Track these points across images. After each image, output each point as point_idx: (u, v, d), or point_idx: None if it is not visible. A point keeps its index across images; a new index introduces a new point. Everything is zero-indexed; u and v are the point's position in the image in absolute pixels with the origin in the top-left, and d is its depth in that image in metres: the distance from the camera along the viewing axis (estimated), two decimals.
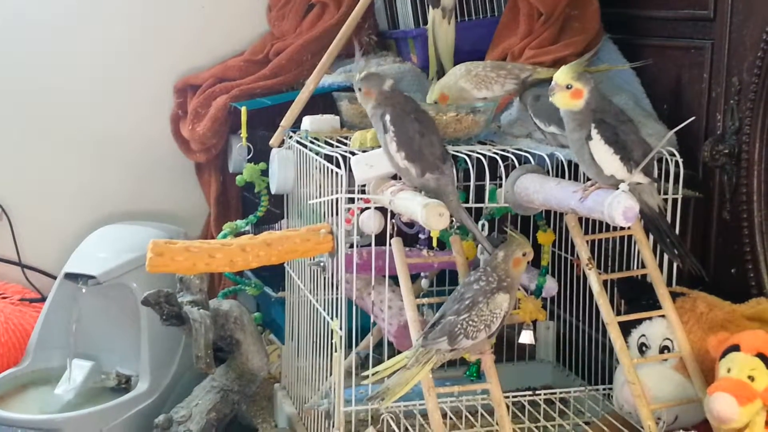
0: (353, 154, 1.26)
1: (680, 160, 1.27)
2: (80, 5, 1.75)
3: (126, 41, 1.77)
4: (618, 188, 1.10)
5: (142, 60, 1.78)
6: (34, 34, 1.73)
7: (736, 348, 1.03)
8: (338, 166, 1.23)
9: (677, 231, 1.27)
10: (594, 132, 1.10)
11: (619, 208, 1.06)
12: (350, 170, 1.22)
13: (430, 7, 1.54)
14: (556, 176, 1.31)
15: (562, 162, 1.30)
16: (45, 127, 1.77)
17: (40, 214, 1.78)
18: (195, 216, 1.83)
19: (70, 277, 1.51)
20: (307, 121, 1.45)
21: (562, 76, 1.10)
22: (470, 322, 1.13)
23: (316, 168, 1.35)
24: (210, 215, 1.79)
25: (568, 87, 1.10)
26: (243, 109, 1.53)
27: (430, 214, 1.09)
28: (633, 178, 1.11)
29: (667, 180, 1.28)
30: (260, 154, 1.55)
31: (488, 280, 1.15)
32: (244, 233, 1.53)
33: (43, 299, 1.64)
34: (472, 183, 1.28)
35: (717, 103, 1.30)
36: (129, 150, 1.80)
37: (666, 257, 1.25)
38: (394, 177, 1.23)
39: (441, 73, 1.55)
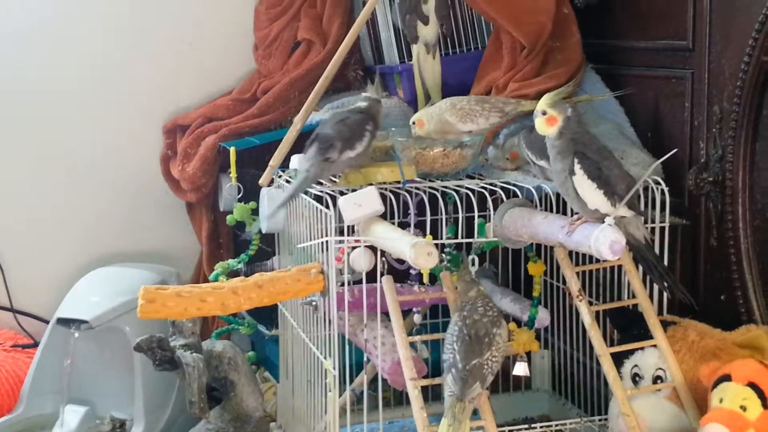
0: (342, 193, 1.27)
1: (666, 189, 1.29)
2: (67, 48, 1.76)
3: (114, 83, 1.78)
4: (604, 221, 1.11)
5: (131, 101, 1.79)
6: (25, 75, 1.74)
7: (727, 378, 1.04)
8: (327, 206, 1.24)
9: (665, 259, 1.28)
10: (577, 167, 1.12)
11: (606, 243, 1.07)
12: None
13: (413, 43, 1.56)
14: (544, 209, 1.32)
15: (549, 195, 1.31)
16: (35, 170, 1.78)
17: (31, 258, 1.78)
18: (187, 255, 1.83)
19: (63, 322, 1.51)
20: (296, 160, 1.46)
21: (540, 102, 1.12)
22: (493, 359, 1.12)
23: (306, 207, 1.36)
24: (202, 254, 1.79)
25: (543, 113, 1.12)
26: (232, 150, 1.54)
27: (418, 254, 1.09)
28: (618, 212, 1.12)
29: (653, 207, 1.30)
30: (250, 192, 1.56)
31: (492, 309, 1.15)
32: (236, 272, 1.54)
33: (35, 345, 1.64)
34: (461, 217, 1.29)
35: (699, 132, 1.31)
36: (119, 191, 1.81)
37: (656, 285, 1.26)
38: (383, 216, 1.24)
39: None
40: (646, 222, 1.27)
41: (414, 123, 1.40)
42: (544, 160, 1.32)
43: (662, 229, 1.29)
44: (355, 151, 1.32)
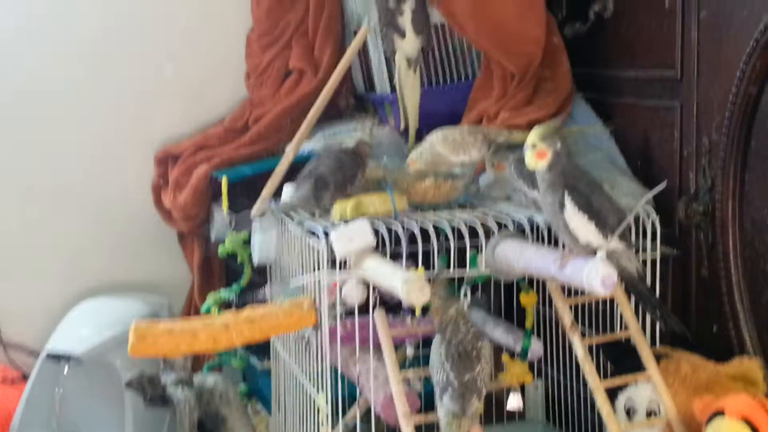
0: (334, 225, 1.27)
1: (656, 219, 1.29)
2: (57, 76, 1.75)
3: (105, 111, 1.78)
4: (595, 255, 1.11)
5: (121, 130, 1.79)
6: (12, 102, 1.74)
7: (721, 413, 1.04)
8: (319, 239, 1.23)
9: (657, 289, 1.28)
10: (567, 200, 1.12)
11: (598, 277, 1.07)
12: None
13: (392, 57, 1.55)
14: (536, 241, 1.32)
15: (541, 227, 1.31)
16: (24, 199, 1.77)
17: (21, 289, 1.77)
18: (179, 284, 1.82)
19: (53, 357, 1.50)
20: (288, 190, 1.46)
21: (530, 135, 1.12)
22: (484, 371, 1.14)
23: (298, 238, 1.36)
24: (194, 283, 1.79)
25: (533, 146, 1.12)
26: (223, 180, 1.54)
27: (411, 290, 1.09)
28: (609, 246, 1.12)
29: (644, 237, 1.30)
30: (242, 222, 1.56)
31: (471, 325, 1.17)
32: (228, 303, 1.54)
33: (25, 378, 1.63)
34: (452, 249, 1.29)
35: (689, 162, 1.32)
36: (111, 220, 1.80)
37: (649, 315, 1.26)
38: (376, 249, 1.24)
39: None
40: (637, 252, 1.27)
41: (408, 165, 1.41)
42: (535, 191, 1.32)
43: (654, 259, 1.29)
44: (345, 194, 1.34)
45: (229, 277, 1.76)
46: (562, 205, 1.12)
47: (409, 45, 1.49)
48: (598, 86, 1.52)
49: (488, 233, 1.29)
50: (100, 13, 1.75)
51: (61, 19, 1.74)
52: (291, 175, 1.48)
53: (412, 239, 1.29)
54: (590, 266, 1.08)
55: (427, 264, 1.29)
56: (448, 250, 1.33)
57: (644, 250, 1.29)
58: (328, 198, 1.34)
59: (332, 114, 1.71)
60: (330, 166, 1.37)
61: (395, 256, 1.28)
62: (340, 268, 1.26)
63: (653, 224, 1.28)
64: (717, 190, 1.26)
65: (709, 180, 1.27)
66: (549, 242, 1.29)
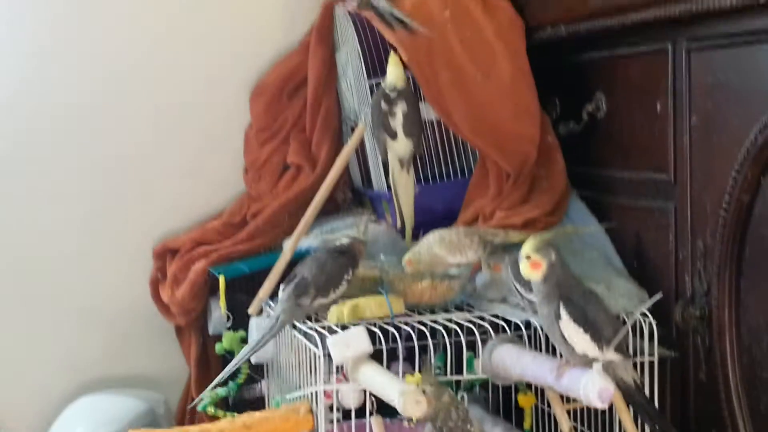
0: (331, 330, 1.28)
1: (654, 322, 1.29)
2: (55, 168, 1.77)
3: (105, 204, 1.80)
4: (592, 365, 1.11)
5: (121, 224, 1.80)
6: (11, 204, 1.76)
7: None
8: (316, 345, 1.24)
9: (656, 392, 1.28)
10: (563, 311, 1.12)
11: (594, 390, 1.07)
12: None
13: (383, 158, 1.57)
14: (533, 344, 1.32)
15: (538, 330, 1.31)
16: (19, 292, 1.77)
17: (18, 382, 1.76)
18: (176, 378, 1.81)
19: None
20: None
21: (525, 246, 1.13)
22: None
23: (294, 338, 1.36)
24: (190, 377, 1.78)
25: (527, 258, 1.13)
26: (221, 279, 1.55)
27: (407, 402, 1.09)
28: (605, 357, 1.12)
29: (641, 338, 1.30)
30: (240, 319, 1.56)
31: (462, 410, 1.16)
32: (224, 399, 1.53)
33: None
34: (449, 353, 1.29)
35: (685, 265, 1.32)
36: (108, 314, 1.80)
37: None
38: (373, 357, 1.24)
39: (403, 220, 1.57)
40: (634, 355, 1.27)
41: (404, 264, 1.41)
42: (532, 294, 1.33)
43: (651, 362, 1.29)
44: (328, 299, 1.35)
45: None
46: (557, 316, 1.12)
47: (400, 147, 1.51)
48: (593, 185, 1.54)
49: (486, 335, 1.30)
50: (103, 106, 1.78)
51: (63, 122, 1.76)
52: (289, 271, 1.49)
53: (408, 339, 1.29)
54: (587, 378, 1.08)
55: (423, 364, 1.29)
56: (445, 350, 1.33)
57: (642, 352, 1.29)
58: (308, 302, 1.35)
59: (329, 209, 1.72)
60: (312, 269, 1.37)
61: (391, 355, 1.28)
62: (337, 371, 1.26)
63: (651, 327, 1.29)
64: (713, 295, 1.26)
65: (705, 284, 1.28)
66: (547, 347, 1.29)
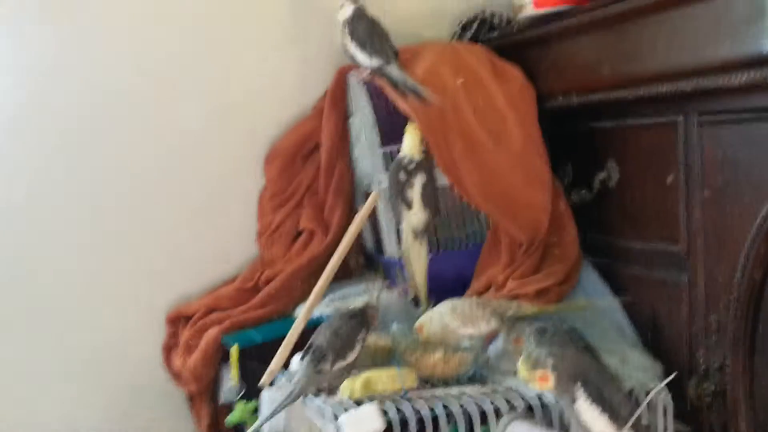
0: (343, 407, 1.27)
1: (669, 398, 1.28)
2: (71, 235, 1.78)
3: (119, 269, 1.80)
4: None
5: (135, 287, 1.80)
6: (16, 276, 1.76)
7: None
8: (329, 421, 1.23)
9: None
10: (579, 392, 1.11)
11: None
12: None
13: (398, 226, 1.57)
14: (547, 417, 1.31)
15: (550, 406, 1.30)
16: (30, 354, 1.76)
17: None
18: None
19: None
20: (297, 361, 1.46)
21: (522, 370, 1.12)
22: None
23: (307, 411, 1.35)
24: None
25: (537, 377, 1.12)
26: (233, 350, 1.54)
27: None
28: None
29: (656, 412, 1.28)
30: (252, 388, 1.55)
31: None
32: None
33: None
34: (461, 429, 1.28)
35: (698, 339, 1.31)
36: (119, 378, 1.80)
37: None
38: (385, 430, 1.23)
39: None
40: (650, 429, 1.25)
41: (415, 329, 1.41)
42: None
43: None
44: (346, 361, 1.34)
45: None
46: (574, 398, 1.11)
47: (416, 218, 1.51)
48: (605, 254, 1.53)
49: (498, 411, 1.28)
50: (121, 170, 1.79)
51: (73, 181, 1.78)
52: (302, 340, 1.49)
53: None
54: None
55: None
56: (457, 424, 1.32)
57: (656, 428, 1.27)
58: (327, 367, 1.34)
59: (341, 274, 1.72)
60: (327, 335, 1.37)
61: (404, 426, 1.27)
62: None
63: (665, 402, 1.27)
64: (727, 370, 1.25)
65: (719, 359, 1.27)
66: (560, 425, 1.27)
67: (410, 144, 1.51)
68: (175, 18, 1.79)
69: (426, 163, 1.51)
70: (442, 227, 1.63)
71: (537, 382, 1.12)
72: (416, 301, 1.57)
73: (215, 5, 1.81)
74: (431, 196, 1.51)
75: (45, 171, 1.76)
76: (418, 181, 1.50)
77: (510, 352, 1.41)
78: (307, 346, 1.38)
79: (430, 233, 1.56)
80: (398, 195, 1.51)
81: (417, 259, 1.53)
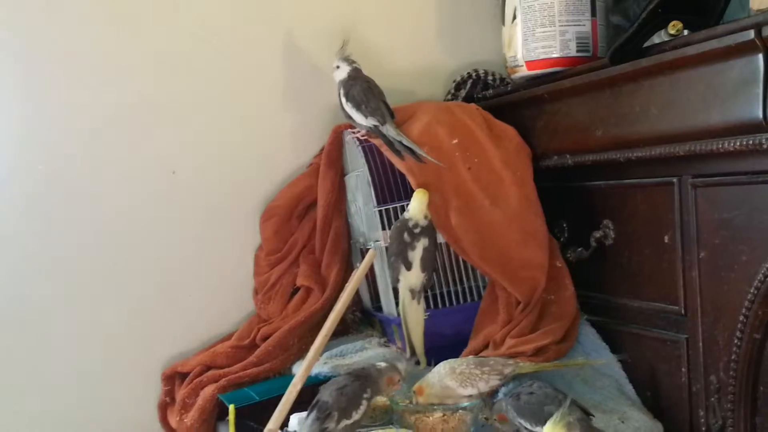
0: None
1: None
2: (59, 297, 1.77)
3: (113, 325, 1.79)
4: None
5: (129, 344, 1.80)
6: (22, 334, 1.76)
7: None
8: None
9: None
10: None
11: None
12: None
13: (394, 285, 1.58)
14: None
15: None
16: (21, 409, 1.74)
17: None
18: None
19: None
20: (295, 420, 1.45)
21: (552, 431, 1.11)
22: None
23: None
24: None
25: None
26: (231, 410, 1.53)
27: None
28: None
29: None
30: None
31: None
32: None
33: None
34: None
35: (698, 399, 1.31)
36: None
37: None
38: None
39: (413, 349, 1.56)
40: None
41: (414, 391, 1.40)
42: (539, 426, 1.31)
43: None
44: (351, 420, 1.33)
45: None
46: None
47: (414, 278, 1.52)
48: (602, 311, 1.54)
49: None
50: (113, 230, 1.79)
51: (63, 232, 1.77)
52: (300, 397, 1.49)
53: None
54: None
55: None
56: None
57: None
58: (333, 425, 1.34)
59: (338, 331, 1.72)
60: (332, 394, 1.37)
61: None
62: None
63: None
64: (729, 431, 1.25)
65: (719, 419, 1.27)
66: None
67: (417, 208, 1.52)
68: (172, 68, 1.81)
69: (430, 229, 1.52)
70: (438, 283, 1.64)
71: None
72: (416, 360, 1.57)
73: (213, 61, 1.83)
74: (431, 260, 1.53)
75: (32, 216, 1.75)
76: (421, 245, 1.51)
77: (496, 428, 1.41)
78: (313, 403, 1.38)
79: (426, 291, 1.57)
80: (399, 255, 1.52)
81: (414, 318, 1.54)
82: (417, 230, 1.51)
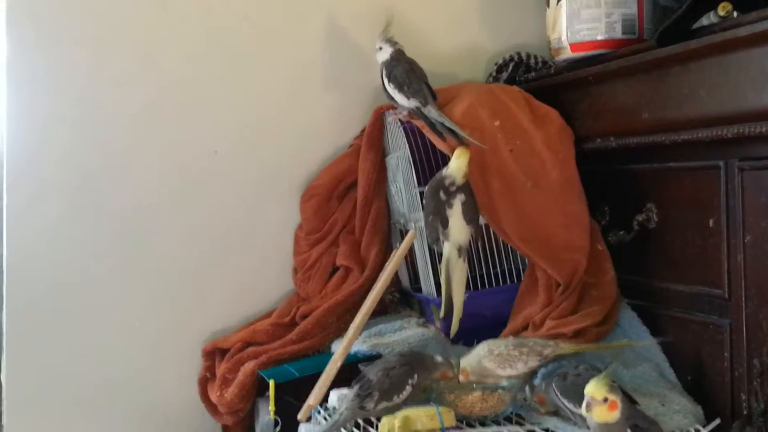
0: None
1: None
2: (102, 270, 1.79)
3: (156, 303, 1.82)
4: None
5: (171, 321, 1.82)
6: (60, 303, 1.78)
7: None
8: None
9: None
10: None
11: None
12: None
13: (443, 244, 1.55)
14: None
15: None
16: (64, 395, 1.77)
17: None
18: None
19: None
20: (335, 396, 1.47)
21: (597, 390, 1.12)
22: None
23: None
24: None
25: (605, 400, 1.11)
26: (271, 385, 1.55)
27: None
28: None
29: None
30: (288, 423, 1.56)
31: None
32: None
33: None
34: None
35: (741, 383, 1.31)
36: (155, 411, 1.81)
37: None
38: None
39: (451, 310, 1.56)
40: None
41: (460, 373, 1.41)
42: (581, 408, 1.31)
43: None
44: (392, 403, 1.35)
45: None
46: None
47: (459, 234, 1.50)
48: (644, 295, 1.53)
49: None
50: (158, 207, 1.82)
51: (108, 210, 1.80)
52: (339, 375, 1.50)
53: None
54: None
55: None
56: None
57: None
58: (371, 405, 1.35)
59: (376, 311, 1.73)
60: (378, 373, 1.38)
61: None
62: None
63: None
64: None
65: (762, 403, 1.26)
66: None
67: (458, 166, 1.50)
68: (215, 48, 1.82)
69: (467, 186, 1.51)
70: (477, 264, 1.64)
71: (606, 411, 1.11)
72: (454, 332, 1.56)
73: (256, 41, 1.84)
74: (474, 211, 1.51)
75: (84, 202, 1.78)
76: (458, 200, 1.49)
77: (538, 412, 1.41)
78: (358, 377, 1.39)
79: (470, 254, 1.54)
80: (437, 214, 1.51)
81: (458, 278, 1.52)
82: (453, 188, 1.49)
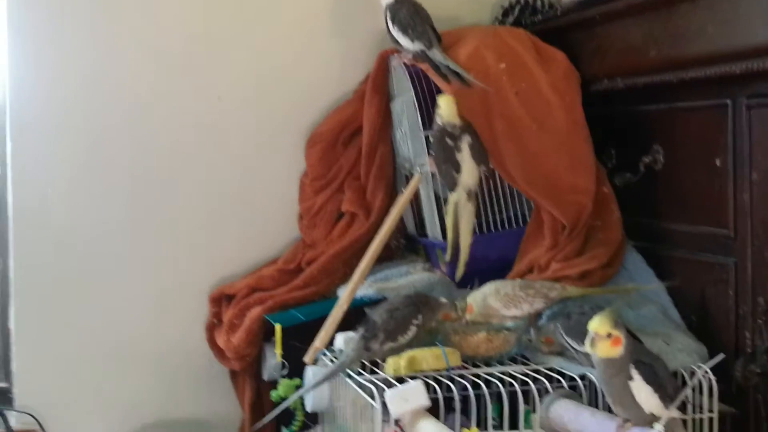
0: (388, 384, 1.28)
1: (714, 379, 1.28)
2: (110, 218, 1.80)
3: (162, 250, 1.83)
4: (652, 426, 1.10)
5: (177, 268, 1.83)
6: (75, 260, 1.79)
7: None
8: (372, 397, 1.24)
9: None
10: (635, 373, 1.12)
11: None
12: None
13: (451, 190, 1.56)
14: (590, 398, 1.31)
15: (595, 383, 1.30)
16: (77, 338, 1.79)
17: (74, 428, 1.79)
18: (229, 422, 1.83)
19: None
20: (341, 339, 1.48)
21: (601, 325, 1.12)
22: None
23: (351, 388, 1.37)
24: (244, 422, 1.79)
25: (609, 336, 1.12)
26: (277, 327, 1.56)
27: None
28: (670, 414, 1.12)
29: (701, 394, 1.29)
30: (295, 367, 1.57)
31: None
32: None
33: None
34: (505, 408, 1.28)
35: (745, 321, 1.31)
36: (163, 358, 1.82)
37: None
38: (429, 409, 1.24)
39: (456, 254, 1.56)
40: (694, 412, 1.26)
41: (463, 309, 1.42)
42: (585, 346, 1.32)
43: (711, 419, 1.28)
44: (397, 343, 1.35)
45: (280, 416, 1.76)
46: (629, 377, 1.12)
47: (469, 177, 1.50)
48: (649, 237, 1.53)
49: (540, 391, 1.29)
50: (164, 154, 1.82)
51: (115, 161, 1.80)
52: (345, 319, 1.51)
53: (464, 390, 1.29)
54: None
55: (479, 416, 1.29)
56: (500, 401, 1.33)
57: (702, 409, 1.27)
58: (377, 346, 1.36)
59: (382, 255, 1.73)
60: (382, 315, 1.39)
61: (448, 407, 1.29)
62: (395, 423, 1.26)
63: (710, 384, 1.27)
64: None
65: (766, 341, 1.26)
66: (603, 401, 1.28)
67: (447, 111, 1.50)
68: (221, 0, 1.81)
69: (468, 126, 1.51)
70: (483, 209, 1.64)
71: (610, 346, 1.12)
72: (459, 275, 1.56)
73: None
74: (482, 151, 1.51)
75: (91, 150, 1.78)
76: (465, 143, 1.49)
77: (542, 351, 1.42)
78: (364, 320, 1.40)
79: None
80: (449, 161, 1.50)
81: (466, 221, 1.52)
82: (456, 131, 1.49)
